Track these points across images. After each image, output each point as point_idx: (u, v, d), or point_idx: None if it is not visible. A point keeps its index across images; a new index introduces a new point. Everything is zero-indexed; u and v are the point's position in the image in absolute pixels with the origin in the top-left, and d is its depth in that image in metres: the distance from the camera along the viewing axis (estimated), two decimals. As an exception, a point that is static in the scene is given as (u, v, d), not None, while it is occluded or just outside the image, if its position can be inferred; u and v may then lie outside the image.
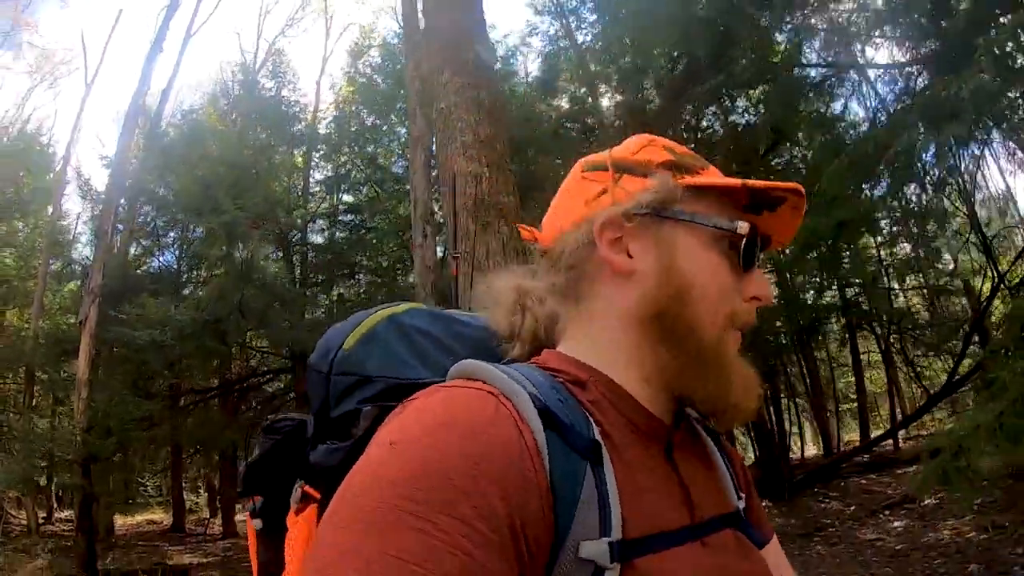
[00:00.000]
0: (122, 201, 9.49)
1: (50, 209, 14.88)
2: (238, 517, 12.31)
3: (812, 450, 16.20)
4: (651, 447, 0.62)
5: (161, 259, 11.46)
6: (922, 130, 2.51)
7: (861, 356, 12.97)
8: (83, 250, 14.90)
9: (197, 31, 15.52)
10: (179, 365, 8.41)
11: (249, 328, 7.59)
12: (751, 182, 0.62)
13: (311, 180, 12.54)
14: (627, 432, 0.60)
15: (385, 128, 13.26)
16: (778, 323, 9.51)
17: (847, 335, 12.09)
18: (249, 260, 6.88)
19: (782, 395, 13.52)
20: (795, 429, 14.95)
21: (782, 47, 7.04)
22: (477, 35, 3.53)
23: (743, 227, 0.63)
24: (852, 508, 7.53)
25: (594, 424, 0.57)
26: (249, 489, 0.78)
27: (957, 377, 8.37)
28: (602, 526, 0.51)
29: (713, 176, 0.66)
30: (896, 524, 6.29)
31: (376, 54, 14.70)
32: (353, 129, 12.61)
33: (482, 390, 0.53)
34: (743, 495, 0.72)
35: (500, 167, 3.02)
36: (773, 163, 9.42)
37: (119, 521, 11.09)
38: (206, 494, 14.34)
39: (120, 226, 10.15)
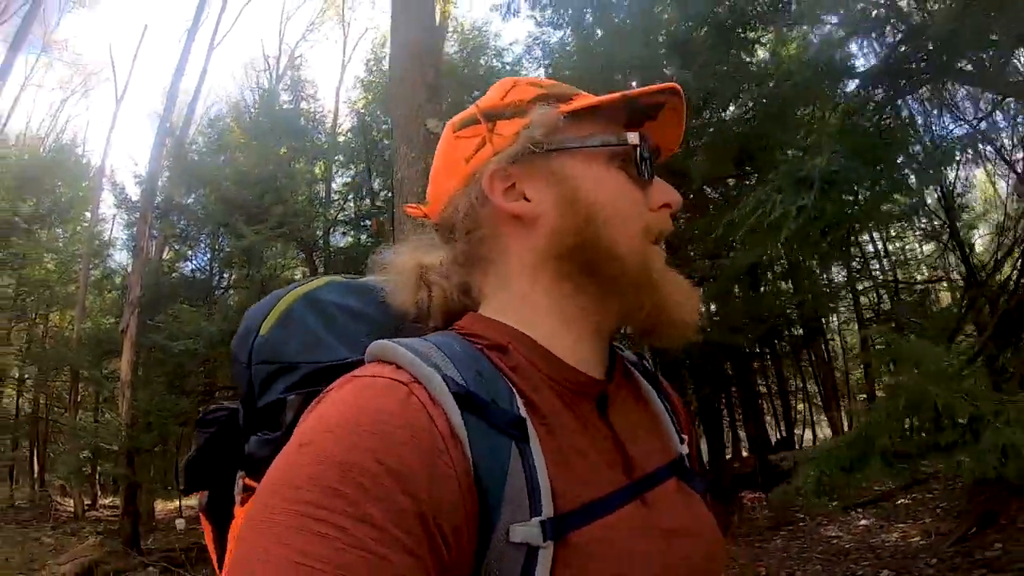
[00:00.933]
0: (155, 213, 10.52)
1: (87, 215, 16.20)
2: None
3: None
4: (582, 407, 0.61)
5: (194, 262, 12.61)
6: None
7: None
8: (119, 255, 16.24)
9: (220, 42, 16.63)
10: (212, 365, 9.45)
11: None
12: (629, 92, 0.63)
13: (332, 186, 13.44)
14: (554, 396, 0.59)
15: (402, 132, 14.05)
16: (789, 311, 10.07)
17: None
18: (268, 278, 7.81)
19: (790, 387, 14.06)
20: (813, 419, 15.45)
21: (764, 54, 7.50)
22: (431, 107, 4.33)
23: (633, 137, 0.64)
24: (835, 503, 7.91)
25: (517, 395, 0.56)
26: (191, 486, 0.76)
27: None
28: (532, 505, 0.50)
29: (588, 99, 0.66)
30: (862, 522, 6.67)
31: (392, 59, 15.47)
32: (371, 135, 13.43)
33: (391, 379, 0.52)
34: (685, 437, 0.72)
35: None
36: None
37: (159, 506, 12.24)
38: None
39: (155, 232, 11.22)
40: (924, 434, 2.89)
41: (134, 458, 8.31)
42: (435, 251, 0.72)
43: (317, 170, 12.13)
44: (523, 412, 0.55)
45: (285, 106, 12.75)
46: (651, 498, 0.61)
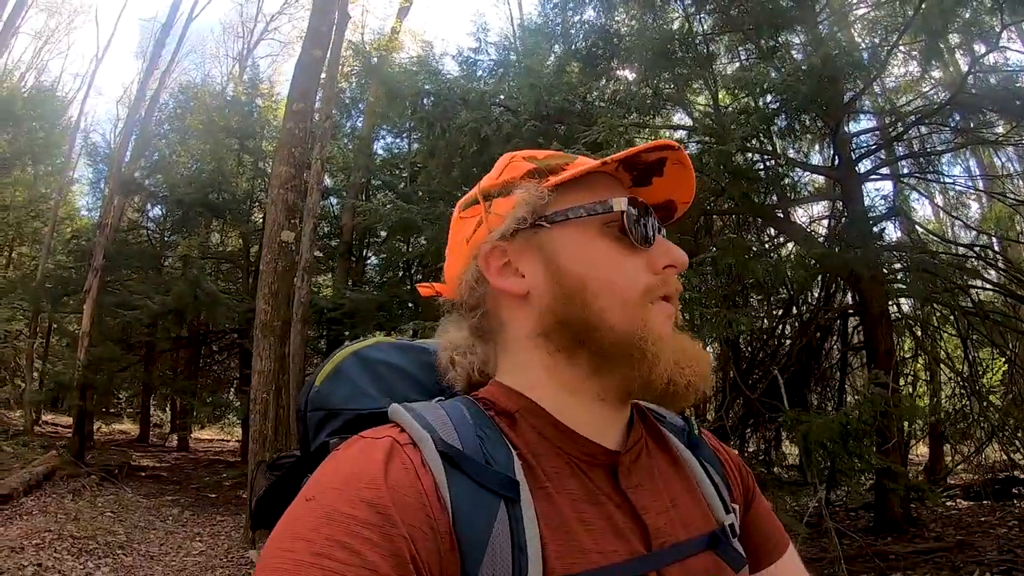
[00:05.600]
0: (119, 191, 13.51)
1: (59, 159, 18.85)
2: (193, 435, 16.93)
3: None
4: (592, 475, 0.67)
5: (148, 230, 15.71)
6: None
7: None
8: (84, 199, 19.10)
9: (199, 14, 19.19)
10: (153, 329, 12.70)
11: (201, 310, 11.87)
12: (615, 155, 0.69)
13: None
14: (562, 464, 0.66)
15: (348, 127, 16.85)
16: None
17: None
18: (197, 277, 10.99)
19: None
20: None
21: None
22: (287, 223, 7.34)
23: (619, 202, 0.69)
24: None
25: (517, 459, 0.63)
26: (258, 523, 0.84)
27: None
28: (515, 566, 0.56)
29: (576, 168, 0.71)
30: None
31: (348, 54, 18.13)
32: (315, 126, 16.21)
33: (389, 438, 0.61)
34: (735, 506, 0.77)
35: (276, 305, 6.95)
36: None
37: (98, 429, 15.49)
38: (170, 412, 18.88)
39: (117, 205, 14.17)
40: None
41: (86, 391, 11.53)
42: (459, 329, 0.80)
43: (262, 164, 14.99)
44: (519, 475, 0.61)
45: (242, 97, 15.60)
46: (673, 571, 0.65)
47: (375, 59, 11.45)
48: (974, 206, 9.66)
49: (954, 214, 9.20)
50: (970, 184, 8.76)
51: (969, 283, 7.08)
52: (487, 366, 0.77)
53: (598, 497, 0.65)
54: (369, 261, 15.33)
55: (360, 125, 15.52)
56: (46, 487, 8.85)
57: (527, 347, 0.71)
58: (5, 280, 16.39)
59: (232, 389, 15.89)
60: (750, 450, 8.83)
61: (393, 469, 0.58)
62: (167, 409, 18.69)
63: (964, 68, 6.38)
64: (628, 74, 9.12)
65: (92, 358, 11.43)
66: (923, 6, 5.28)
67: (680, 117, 9.83)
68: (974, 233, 8.93)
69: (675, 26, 8.91)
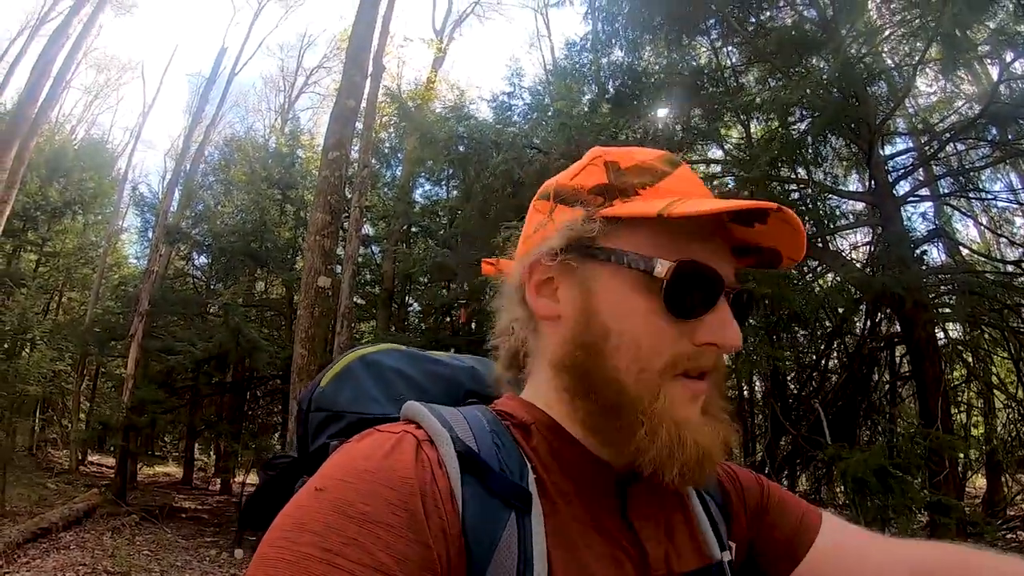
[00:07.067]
0: (165, 240, 14.03)
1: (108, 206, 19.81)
2: (236, 479, 17.00)
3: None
4: (599, 498, 0.66)
5: (193, 277, 16.24)
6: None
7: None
8: (132, 248, 19.89)
9: (241, 69, 20.13)
10: (197, 373, 12.97)
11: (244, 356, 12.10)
12: (687, 208, 0.59)
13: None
14: (569, 482, 0.65)
15: (388, 176, 17.22)
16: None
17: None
18: (238, 324, 11.19)
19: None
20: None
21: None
22: (323, 269, 7.52)
23: (662, 267, 0.62)
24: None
25: (531, 472, 0.62)
26: (247, 523, 0.81)
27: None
28: None
29: (637, 205, 0.65)
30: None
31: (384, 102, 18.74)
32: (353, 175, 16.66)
33: (407, 434, 0.60)
34: (732, 544, 0.76)
35: (313, 350, 7.11)
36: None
37: (141, 471, 15.72)
38: (214, 456, 19.07)
39: (163, 254, 14.69)
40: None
41: (130, 433, 11.77)
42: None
43: (303, 213, 15.41)
44: (532, 488, 0.60)
45: (284, 149, 16.19)
46: None
47: (411, 106, 11.75)
48: (1019, 221, 9.40)
49: (999, 231, 8.98)
50: (1012, 199, 8.54)
51: (1020, 302, 6.83)
52: (527, 353, 0.76)
53: (603, 520, 0.64)
54: (411, 307, 15.49)
55: (399, 174, 15.92)
56: (86, 524, 8.95)
57: (550, 370, 0.70)
58: (54, 324, 16.96)
59: (276, 434, 16.02)
60: (801, 489, 8.56)
61: (410, 466, 0.57)
62: (211, 452, 18.89)
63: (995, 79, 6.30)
64: (659, 111, 9.21)
65: (136, 400, 11.69)
66: (940, 16, 5.25)
67: (714, 151, 9.88)
68: (1020, 250, 8.67)
69: (703, 61, 9.06)
